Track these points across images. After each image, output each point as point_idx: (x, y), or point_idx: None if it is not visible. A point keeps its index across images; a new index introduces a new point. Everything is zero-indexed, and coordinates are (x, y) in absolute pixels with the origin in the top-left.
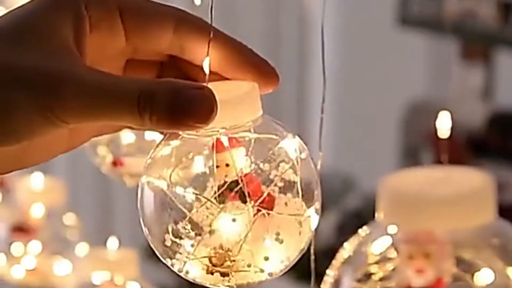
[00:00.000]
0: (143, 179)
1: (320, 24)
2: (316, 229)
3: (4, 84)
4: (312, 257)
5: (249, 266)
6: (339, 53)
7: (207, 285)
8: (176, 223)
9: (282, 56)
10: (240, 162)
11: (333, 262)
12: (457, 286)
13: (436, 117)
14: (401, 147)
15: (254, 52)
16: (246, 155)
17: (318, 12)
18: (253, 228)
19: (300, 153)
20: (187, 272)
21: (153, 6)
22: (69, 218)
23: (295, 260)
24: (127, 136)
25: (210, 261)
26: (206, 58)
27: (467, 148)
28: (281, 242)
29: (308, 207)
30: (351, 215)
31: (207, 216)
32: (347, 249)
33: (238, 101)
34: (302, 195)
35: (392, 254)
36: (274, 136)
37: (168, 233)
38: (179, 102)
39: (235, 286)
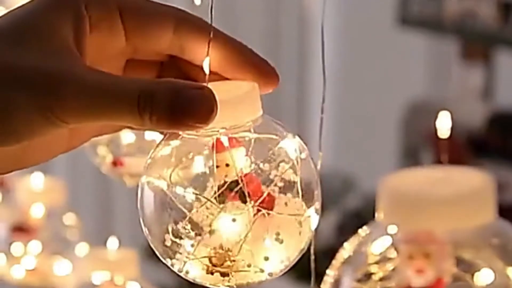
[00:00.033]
0: (143, 179)
1: (320, 24)
2: (316, 229)
3: (4, 84)
4: (312, 257)
5: (249, 266)
6: (339, 53)
7: (207, 285)
8: (176, 223)
9: (282, 56)
10: (240, 162)
11: (333, 262)
12: (457, 286)
13: (436, 117)
14: (401, 147)
15: (254, 52)
16: (246, 155)
17: (318, 12)
18: (253, 228)
19: (300, 153)
20: (187, 272)
21: (153, 6)
22: (69, 218)
23: (295, 260)
24: (127, 136)
25: (210, 261)
26: (206, 58)
27: (467, 148)
28: (281, 242)
29: (308, 207)
30: (351, 215)
31: (207, 216)
32: (347, 249)
33: (238, 101)
34: (302, 195)
35: (392, 254)
36: (274, 136)
37: (168, 233)
38: (179, 102)
39: (235, 286)
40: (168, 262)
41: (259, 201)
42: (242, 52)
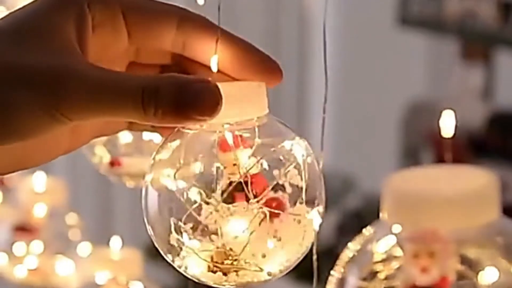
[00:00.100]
0: (147, 177)
1: (321, 23)
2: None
3: (6, 84)
4: (315, 257)
5: (251, 266)
6: (339, 53)
7: (210, 283)
8: (180, 222)
9: (282, 56)
10: (246, 162)
11: (338, 261)
12: (461, 285)
13: (437, 117)
14: (401, 147)
15: (257, 48)
16: (253, 155)
17: (318, 12)
18: (257, 228)
19: (307, 155)
20: (189, 270)
21: (156, 4)
22: (71, 218)
23: (296, 261)
24: (124, 136)
25: (213, 260)
26: (214, 56)
27: (467, 148)
28: (283, 243)
29: (312, 210)
30: (351, 215)
31: (211, 213)
32: (352, 248)
33: (243, 97)
34: (306, 197)
35: (397, 253)
36: (281, 138)
37: (172, 232)
38: (183, 95)
39: (236, 285)
40: (172, 260)
41: (261, 202)
42: (245, 49)
